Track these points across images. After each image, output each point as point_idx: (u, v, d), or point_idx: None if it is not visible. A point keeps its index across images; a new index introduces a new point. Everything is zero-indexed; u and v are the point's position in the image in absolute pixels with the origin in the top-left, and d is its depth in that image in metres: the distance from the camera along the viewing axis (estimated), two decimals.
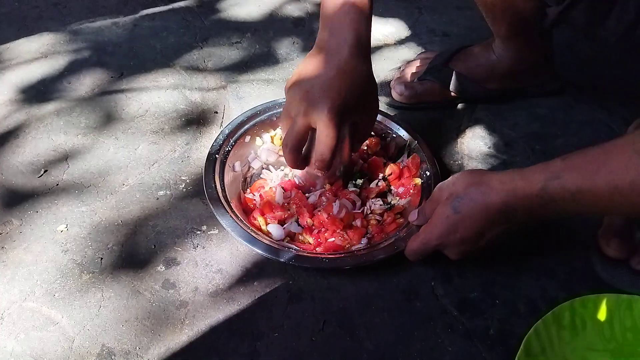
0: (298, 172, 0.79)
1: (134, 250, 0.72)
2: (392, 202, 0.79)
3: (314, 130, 0.66)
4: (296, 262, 0.68)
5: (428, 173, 0.79)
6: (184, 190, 0.80)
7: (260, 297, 0.67)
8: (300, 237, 0.74)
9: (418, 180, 0.79)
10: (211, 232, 0.74)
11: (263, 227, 0.73)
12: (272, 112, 0.85)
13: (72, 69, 1.01)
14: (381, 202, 0.77)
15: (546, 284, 0.70)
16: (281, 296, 0.68)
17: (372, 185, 0.80)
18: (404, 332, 0.65)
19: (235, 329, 0.64)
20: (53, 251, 0.71)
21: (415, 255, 0.68)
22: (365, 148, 0.83)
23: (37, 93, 0.95)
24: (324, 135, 0.64)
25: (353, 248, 0.72)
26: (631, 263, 0.69)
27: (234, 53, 1.07)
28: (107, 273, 0.69)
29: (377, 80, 0.96)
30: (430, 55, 0.97)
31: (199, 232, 0.74)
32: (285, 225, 0.74)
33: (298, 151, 0.69)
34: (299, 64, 0.69)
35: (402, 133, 0.84)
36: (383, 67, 1.04)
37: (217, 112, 0.93)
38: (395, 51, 1.10)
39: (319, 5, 1.22)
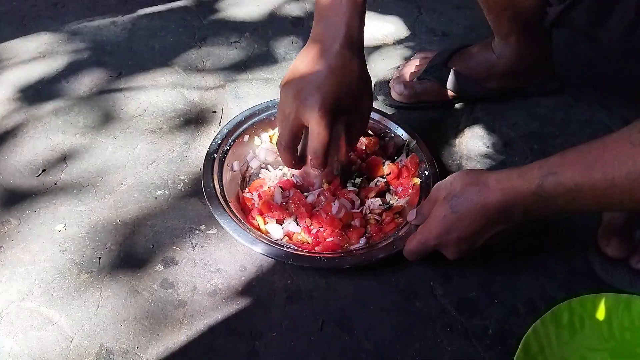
0: (296, 171, 0.78)
1: (132, 249, 0.72)
2: (391, 202, 0.79)
3: (307, 128, 0.66)
4: (295, 262, 0.68)
5: (427, 173, 0.79)
6: (183, 189, 0.80)
7: (258, 297, 0.67)
8: (298, 236, 0.74)
9: (417, 180, 0.79)
10: (210, 231, 0.74)
11: (262, 227, 0.73)
12: (270, 112, 0.85)
13: (71, 68, 1.01)
14: (380, 202, 0.77)
15: (545, 284, 0.70)
16: (280, 296, 0.68)
17: (371, 184, 0.80)
18: (402, 332, 0.65)
19: (233, 328, 0.64)
20: (51, 251, 0.71)
21: (413, 255, 0.67)
22: (364, 148, 0.83)
23: (35, 92, 0.95)
24: (316, 134, 0.65)
25: (352, 247, 0.71)
26: (630, 262, 0.69)
27: (233, 52, 1.07)
28: (106, 273, 0.69)
29: (376, 79, 0.97)
30: (429, 54, 0.97)
31: (197, 232, 0.74)
32: (283, 225, 0.74)
33: (293, 150, 0.69)
34: (294, 61, 0.69)
35: (401, 133, 0.84)
36: (382, 67, 1.03)
37: (215, 112, 0.93)
38: (394, 50, 1.10)
39: None
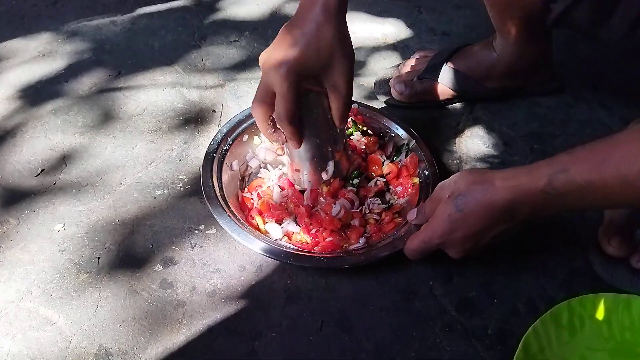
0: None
1: (131, 249, 0.71)
2: (391, 202, 0.78)
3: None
4: (294, 262, 0.67)
5: (426, 172, 0.78)
6: (182, 189, 0.79)
7: (258, 297, 0.67)
8: (298, 236, 0.73)
9: (416, 180, 0.79)
10: (209, 231, 0.74)
11: (261, 227, 0.73)
12: None
13: (70, 67, 1.01)
14: (379, 202, 0.77)
15: (545, 284, 0.70)
16: (279, 296, 0.67)
17: (370, 184, 0.80)
18: (402, 332, 0.65)
19: (233, 328, 0.64)
20: (50, 251, 0.71)
21: (415, 254, 0.67)
22: (363, 147, 0.83)
23: (34, 92, 0.95)
24: (280, 96, 0.64)
25: (351, 247, 0.71)
26: (631, 261, 0.69)
27: (232, 52, 1.07)
28: (105, 273, 0.69)
29: (376, 78, 0.97)
30: (429, 53, 0.97)
31: (196, 232, 0.74)
32: (283, 225, 0.74)
33: (265, 119, 0.68)
34: None
35: (401, 132, 0.84)
36: (382, 66, 1.03)
37: (215, 111, 0.93)
38: (394, 50, 1.10)
39: None
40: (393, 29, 1.15)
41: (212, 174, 0.75)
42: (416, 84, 0.93)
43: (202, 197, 0.73)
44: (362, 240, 0.72)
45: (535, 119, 0.94)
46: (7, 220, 0.74)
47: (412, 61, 0.98)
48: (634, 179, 0.49)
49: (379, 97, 0.95)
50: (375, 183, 0.80)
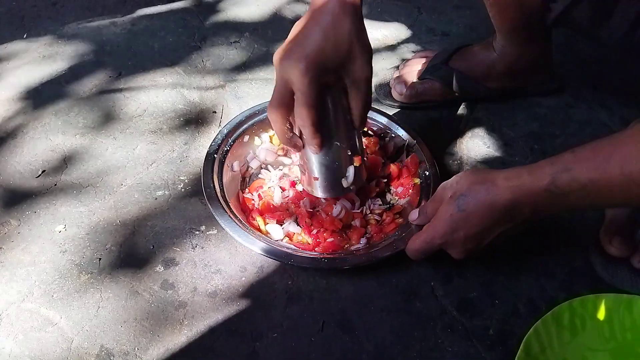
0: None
1: (132, 250, 0.71)
2: (392, 202, 0.78)
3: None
4: (295, 262, 0.67)
5: (427, 173, 0.78)
6: (183, 190, 0.80)
7: (259, 298, 0.67)
8: (299, 237, 0.74)
9: (417, 180, 0.79)
10: (210, 232, 0.74)
11: (262, 227, 0.73)
12: None
13: (70, 68, 1.01)
14: (380, 202, 0.77)
15: (546, 284, 0.70)
16: (280, 296, 0.67)
17: (371, 184, 0.80)
18: (403, 333, 0.65)
19: (234, 329, 0.64)
20: (51, 252, 0.71)
21: (417, 254, 0.67)
22: (364, 147, 0.83)
23: (35, 93, 0.95)
24: (300, 92, 0.60)
25: (352, 248, 0.71)
26: (632, 262, 0.69)
27: (233, 52, 1.07)
28: (106, 274, 0.69)
29: (376, 79, 0.97)
30: (429, 54, 0.97)
31: (197, 233, 0.74)
32: (284, 225, 0.74)
33: (285, 118, 0.64)
34: None
35: (401, 132, 0.84)
36: (382, 67, 1.03)
37: (215, 112, 0.93)
38: (394, 50, 1.10)
39: None
40: (393, 30, 1.16)
41: (212, 175, 0.75)
42: (416, 85, 0.93)
43: (203, 197, 0.73)
44: (363, 240, 0.72)
45: (536, 119, 0.94)
46: (8, 222, 0.74)
47: (412, 62, 0.98)
48: (637, 177, 0.49)
49: (379, 97, 0.95)
50: (376, 183, 0.80)
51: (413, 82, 0.93)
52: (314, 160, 0.69)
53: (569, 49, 1.08)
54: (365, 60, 0.63)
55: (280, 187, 0.79)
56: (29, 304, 0.65)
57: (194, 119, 0.91)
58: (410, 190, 0.78)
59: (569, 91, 0.98)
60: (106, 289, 0.67)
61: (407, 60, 1.00)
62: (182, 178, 0.81)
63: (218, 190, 0.73)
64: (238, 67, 1.03)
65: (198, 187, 0.77)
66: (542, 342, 0.60)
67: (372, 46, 0.64)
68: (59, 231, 0.73)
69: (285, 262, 0.67)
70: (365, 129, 0.85)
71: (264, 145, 0.84)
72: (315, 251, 0.71)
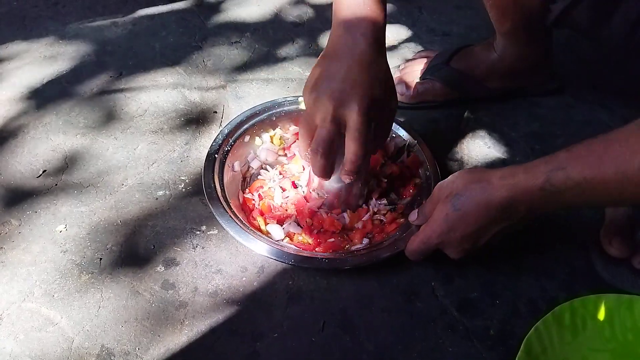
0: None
1: (133, 250, 0.72)
2: (395, 203, 0.78)
3: (343, 133, 0.63)
4: (296, 263, 0.67)
5: (428, 173, 0.78)
6: (183, 190, 0.80)
7: (259, 298, 0.67)
8: (299, 237, 0.74)
9: (418, 180, 0.79)
10: (210, 232, 0.74)
11: (262, 227, 0.73)
12: (271, 112, 0.85)
13: (71, 68, 1.01)
14: (385, 202, 0.77)
15: (546, 284, 0.70)
16: (281, 297, 0.67)
17: (373, 185, 0.79)
18: (404, 333, 0.65)
19: (234, 329, 0.64)
20: (52, 251, 0.71)
21: (415, 254, 0.67)
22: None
23: (35, 93, 0.95)
24: (358, 133, 0.61)
25: (353, 248, 0.71)
26: (633, 262, 0.69)
27: (233, 53, 1.07)
28: (107, 273, 0.69)
29: None
30: (430, 54, 0.97)
31: (198, 232, 0.74)
32: (284, 225, 0.74)
33: (330, 157, 0.65)
34: (314, 67, 0.66)
35: (402, 133, 0.84)
36: None
37: (216, 112, 0.93)
38: (395, 51, 1.10)
39: (318, 5, 1.22)
40: (394, 30, 1.15)
41: (213, 175, 0.75)
42: (417, 85, 0.93)
43: (204, 197, 0.73)
44: (365, 240, 0.72)
45: (536, 119, 0.94)
46: (9, 221, 0.74)
47: (413, 62, 0.98)
48: (632, 175, 0.49)
49: None
50: (377, 184, 0.80)
51: (414, 82, 0.93)
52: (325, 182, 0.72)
53: (569, 49, 1.08)
54: (396, 94, 0.69)
55: (281, 187, 0.79)
56: (29, 303, 0.65)
57: (195, 119, 0.91)
58: (410, 191, 0.78)
59: (569, 91, 0.98)
60: (107, 288, 0.67)
61: (408, 60, 1.01)
62: (182, 178, 0.81)
63: (219, 190, 0.73)
64: (239, 67, 1.03)
65: (199, 187, 0.77)
66: (543, 342, 0.60)
67: None
68: (60, 231, 0.73)
69: (286, 262, 0.67)
70: None
71: (265, 145, 0.84)
72: (316, 251, 0.71)
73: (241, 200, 0.77)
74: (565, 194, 0.54)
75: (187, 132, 0.89)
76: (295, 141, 0.84)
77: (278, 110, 0.85)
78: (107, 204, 0.77)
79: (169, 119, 0.91)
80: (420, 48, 1.10)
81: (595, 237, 0.72)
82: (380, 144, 0.75)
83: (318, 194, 0.75)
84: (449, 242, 0.64)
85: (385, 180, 0.81)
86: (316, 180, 0.73)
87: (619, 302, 0.63)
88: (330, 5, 0.68)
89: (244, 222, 0.71)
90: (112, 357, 0.61)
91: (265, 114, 0.85)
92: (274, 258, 0.68)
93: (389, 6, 1.21)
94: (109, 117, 0.91)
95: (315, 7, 1.22)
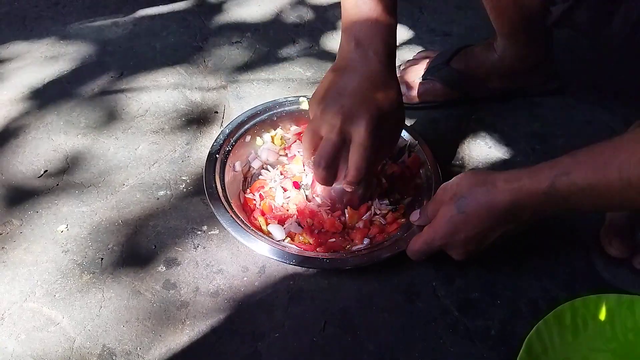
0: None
1: (134, 250, 0.72)
2: (397, 203, 0.78)
3: (348, 145, 0.64)
4: (296, 263, 0.67)
5: (428, 173, 0.78)
6: (185, 190, 0.80)
7: (261, 298, 0.67)
8: (300, 237, 0.74)
9: (418, 181, 0.79)
10: (212, 232, 0.74)
11: (263, 227, 0.73)
12: (272, 112, 0.85)
13: (72, 69, 1.01)
14: (387, 202, 0.77)
15: (547, 284, 0.70)
16: (282, 296, 0.68)
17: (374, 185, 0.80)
18: (405, 333, 0.65)
19: (236, 329, 0.64)
20: (53, 251, 0.71)
21: (418, 255, 0.67)
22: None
23: (36, 93, 0.95)
24: (363, 149, 0.62)
25: (354, 248, 0.71)
26: (633, 262, 0.69)
27: (234, 53, 1.07)
28: (108, 273, 0.69)
29: None
30: (431, 54, 0.97)
31: (199, 232, 0.74)
32: (285, 226, 0.74)
33: (333, 168, 0.65)
34: (323, 79, 0.67)
35: (403, 133, 0.84)
36: None
37: (217, 112, 0.93)
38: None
39: (319, 5, 1.22)
40: None
41: (214, 175, 0.75)
42: (418, 85, 0.93)
43: (205, 198, 0.73)
44: (366, 240, 0.72)
45: (537, 119, 0.94)
46: (11, 221, 0.74)
47: (413, 62, 0.98)
48: (636, 181, 0.49)
49: None
50: (378, 184, 0.80)
51: (414, 83, 0.93)
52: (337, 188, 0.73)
53: (570, 49, 1.08)
54: (404, 113, 0.70)
55: (282, 187, 0.79)
56: (31, 303, 0.65)
57: (196, 119, 0.91)
58: (412, 191, 0.78)
59: (570, 91, 0.98)
60: (108, 288, 0.67)
61: (409, 60, 1.01)
62: (184, 178, 0.81)
63: (220, 190, 0.74)
64: (240, 67, 1.03)
65: (200, 187, 0.77)
66: (544, 342, 0.60)
67: None
68: (61, 231, 0.73)
69: (287, 262, 0.67)
70: None
71: (266, 145, 0.84)
72: (317, 251, 0.71)
73: (242, 200, 0.78)
74: (569, 199, 0.54)
75: (188, 132, 0.89)
76: (295, 141, 0.85)
77: (279, 110, 0.85)
78: (108, 204, 0.77)
79: (170, 119, 0.91)
80: (420, 48, 1.10)
81: (596, 238, 0.72)
82: (383, 158, 0.78)
83: (322, 199, 0.75)
84: (452, 244, 0.64)
85: (386, 180, 0.81)
86: (319, 185, 0.73)
87: (620, 302, 0.63)
88: (331, 5, 0.69)
89: (245, 222, 0.71)
90: (114, 357, 0.61)
91: (266, 114, 0.85)
92: (275, 258, 0.68)
93: None
94: (110, 117, 0.91)
95: (315, 7, 1.22)
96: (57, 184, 0.80)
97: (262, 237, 0.70)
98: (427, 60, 0.95)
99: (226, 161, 0.78)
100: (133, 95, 0.95)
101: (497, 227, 0.61)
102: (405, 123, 0.85)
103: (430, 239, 0.64)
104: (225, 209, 0.71)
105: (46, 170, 0.82)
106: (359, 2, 0.67)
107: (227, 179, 0.76)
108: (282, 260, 0.67)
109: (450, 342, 0.64)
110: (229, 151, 0.79)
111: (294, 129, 0.86)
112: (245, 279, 0.69)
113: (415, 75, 0.94)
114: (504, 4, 0.82)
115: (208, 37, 1.10)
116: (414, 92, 0.93)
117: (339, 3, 0.71)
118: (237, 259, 0.71)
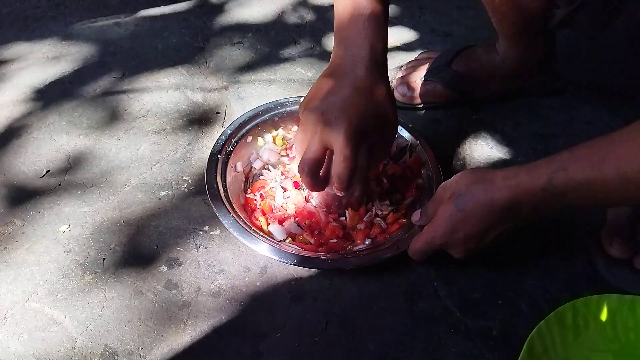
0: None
1: (136, 250, 0.72)
2: (398, 203, 0.78)
3: (331, 151, 0.63)
4: (298, 263, 0.68)
5: (430, 174, 0.79)
6: (186, 190, 0.80)
7: (262, 298, 0.67)
8: (301, 237, 0.74)
9: (420, 181, 0.79)
10: (213, 232, 0.74)
11: (264, 228, 0.73)
12: (273, 113, 0.85)
13: (74, 69, 1.01)
14: (388, 203, 0.77)
15: (548, 285, 0.70)
16: (283, 297, 0.68)
17: (374, 185, 0.80)
18: (406, 333, 0.65)
19: (237, 329, 0.64)
20: (55, 252, 0.71)
21: (418, 254, 0.67)
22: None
23: (38, 93, 0.95)
24: (342, 158, 0.61)
25: (355, 248, 0.72)
26: (634, 263, 0.69)
27: (236, 53, 1.07)
28: (110, 273, 0.69)
29: None
30: (432, 55, 0.97)
31: (201, 233, 0.74)
32: (286, 226, 0.74)
33: (315, 175, 0.64)
34: (314, 83, 0.67)
35: (404, 133, 0.84)
36: None
37: (218, 113, 0.93)
38: (396, 51, 1.10)
39: (320, 5, 1.22)
40: (395, 31, 1.16)
41: (216, 175, 0.75)
42: (419, 86, 0.93)
43: (207, 198, 0.73)
44: (367, 241, 0.72)
45: (538, 120, 0.94)
46: (13, 222, 0.75)
47: (415, 63, 0.98)
48: (634, 176, 0.49)
49: None
50: (378, 184, 0.80)
51: (415, 84, 0.93)
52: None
53: (571, 50, 1.07)
54: (395, 118, 0.68)
55: (283, 187, 0.79)
56: (33, 303, 0.66)
57: (198, 120, 0.92)
58: (413, 191, 0.78)
59: (571, 92, 0.98)
60: (110, 288, 0.67)
61: (410, 61, 1.01)
62: (185, 178, 0.81)
63: (221, 190, 0.74)
64: (241, 67, 1.03)
65: (201, 188, 0.78)
66: (545, 342, 0.60)
67: None
68: (63, 231, 0.74)
69: (288, 262, 0.67)
70: None
71: (267, 145, 0.84)
72: (318, 252, 0.71)
73: (243, 200, 0.78)
74: (567, 194, 0.54)
75: (189, 132, 0.89)
76: None
77: (280, 110, 0.85)
78: (110, 204, 0.77)
79: (171, 119, 0.91)
80: (422, 49, 1.10)
81: (597, 238, 0.72)
82: (375, 165, 0.76)
83: (317, 202, 0.76)
84: (452, 242, 0.64)
85: (387, 181, 0.81)
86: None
87: (621, 303, 0.63)
88: (333, 6, 0.69)
89: (246, 222, 0.71)
90: (116, 357, 0.61)
91: (268, 115, 0.85)
92: (277, 258, 0.68)
93: (391, 6, 1.21)
94: (112, 118, 0.91)
95: (317, 8, 1.22)
96: (59, 184, 0.80)
97: (264, 237, 0.70)
98: (429, 61, 0.95)
99: (228, 161, 0.78)
100: (135, 95, 0.95)
101: (497, 224, 0.61)
102: (407, 123, 0.85)
103: (431, 238, 0.65)
104: (227, 209, 0.71)
105: (48, 171, 0.82)
106: (348, 4, 0.66)
107: (228, 179, 0.76)
108: (284, 260, 0.68)
109: (451, 342, 0.64)
110: (231, 151, 0.80)
111: (295, 129, 0.86)
112: (246, 279, 0.69)
113: (417, 76, 0.94)
114: (506, 8, 0.82)
115: (210, 38, 1.10)
116: (416, 93, 0.93)
117: None
118: (238, 259, 0.71)
